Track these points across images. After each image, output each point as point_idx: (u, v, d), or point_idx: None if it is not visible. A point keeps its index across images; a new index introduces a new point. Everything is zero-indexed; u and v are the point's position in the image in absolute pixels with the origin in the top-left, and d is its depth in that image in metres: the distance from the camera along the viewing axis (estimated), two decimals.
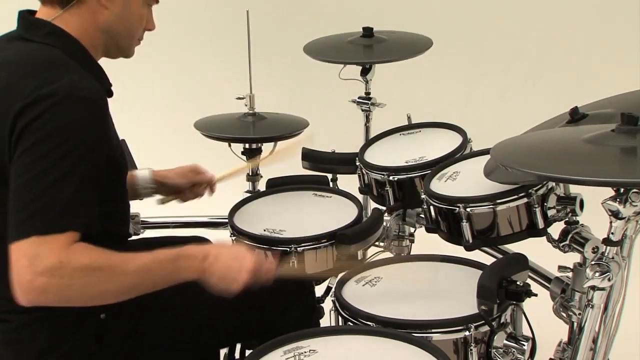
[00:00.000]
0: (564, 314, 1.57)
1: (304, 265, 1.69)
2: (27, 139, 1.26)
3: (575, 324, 1.53)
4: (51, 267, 1.21)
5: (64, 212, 1.25)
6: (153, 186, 1.87)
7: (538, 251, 1.67)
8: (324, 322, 1.72)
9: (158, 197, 1.93)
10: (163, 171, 1.91)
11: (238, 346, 1.83)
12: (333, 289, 1.62)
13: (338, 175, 2.28)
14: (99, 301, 1.32)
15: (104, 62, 1.52)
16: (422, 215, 1.86)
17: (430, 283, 1.64)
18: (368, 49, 2.41)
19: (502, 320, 1.46)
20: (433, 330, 1.41)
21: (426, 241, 1.96)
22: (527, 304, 1.47)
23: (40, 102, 1.26)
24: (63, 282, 1.23)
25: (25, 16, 1.45)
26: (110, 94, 1.49)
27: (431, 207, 1.67)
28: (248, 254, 1.43)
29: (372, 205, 2.07)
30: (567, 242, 1.54)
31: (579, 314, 1.50)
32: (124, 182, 1.54)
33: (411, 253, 2.18)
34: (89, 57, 1.45)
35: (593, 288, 1.41)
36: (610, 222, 1.36)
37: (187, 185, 1.92)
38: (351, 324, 1.48)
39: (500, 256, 1.94)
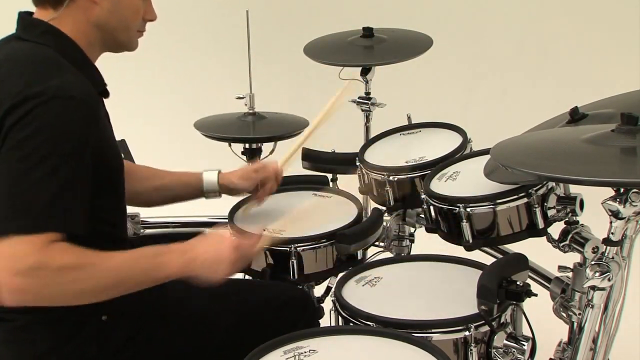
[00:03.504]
0: (564, 314, 1.57)
1: None
2: (12, 138, 1.25)
3: (575, 324, 1.53)
4: (29, 268, 1.21)
5: (44, 213, 1.24)
6: (218, 190, 1.87)
7: (538, 251, 1.67)
8: (324, 322, 1.71)
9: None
10: (228, 174, 1.88)
11: None
12: (333, 289, 1.62)
13: (338, 175, 2.28)
14: (80, 300, 1.31)
15: (104, 62, 1.52)
16: (422, 215, 1.86)
17: (430, 283, 1.64)
18: (368, 50, 2.41)
19: (502, 320, 1.46)
20: (433, 330, 1.41)
21: (426, 241, 1.96)
22: (527, 304, 1.47)
23: (28, 101, 1.26)
24: (41, 282, 1.23)
25: (24, 17, 1.45)
26: (106, 95, 1.48)
27: (431, 207, 1.67)
28: (226, 240, 1.43)
29: (372, 205, 2.07)
30: (567, 242, 1.54)
31: (579, 314, 1.50)
32: (118, 183, 1.51)
33: (411, 253, 2.18)
34: (84, 57, 1.44)
35: (593, 288, 1.41)
36: (610, 222, 1.36)
37: (254, 187, 1.89)
38: (351, 324, 1.48)
39: (500, 256, 1.94)
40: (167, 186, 1.83)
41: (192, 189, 1.85)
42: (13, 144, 1.25)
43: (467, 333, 1.41)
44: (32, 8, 1.46)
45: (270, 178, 1.91)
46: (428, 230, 1.72)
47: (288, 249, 1.71)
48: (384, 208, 1.98)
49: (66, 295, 1.28)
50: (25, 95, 1.26)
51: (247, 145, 2.46)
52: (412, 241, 2.19)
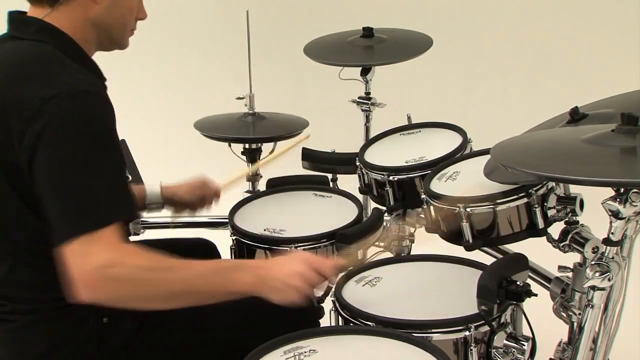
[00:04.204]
0: (564, 314, 1.57)
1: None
2: (46, 145, 1.25)
3: (575, 324, 1.53)
4: (105, 264, 1.22)
5: (105, 206, 1.26)
6: (161, 202, 1.89)
7: (538, 251, 1.67)
8: (324, 322, 1.71)
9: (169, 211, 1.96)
10: (172, 187, 1.91)
11: None
12: (333, 289, 1.62)
13: (338, 175, 2.28)
14: (150, 304, 1.32)
15: (104, 62, 1.52)
16: (422, 215, 1.86)
17: (430, 283, 1.64)
18: (368, 50, 2.41)
19: (502, 320, 1.46)
20: (433, 330, 1.41)
21: (426, 241, 1.96)
22: (527, 304, 1.47)
23: (46, 106, 1.26)
24: (118, 279, 1.24)
25: (15, 16, 1.44)
26: (105, 88, 1.49)
27: (431, 207, 1.67)
28: (299, 260, 1.42)
29: (372, 205, 2.07)
30: (567, 242, 1.54)
31: (579, 314, 1.50)
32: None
33: (411, 253, 2.18)
34: (82, 52, 1.44)
35: (593, 288, 1.41)
36: (610, 222, 1.36)
37: (196, 200, 1.94)
38: (351, 324, 1.48)
39: (500, 256, 1.94)
40: None
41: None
42: (49, 152, 1.25)
43: (467, 333, 1.41)
44: (19, 7, 1.46)
45: (211, 195, 1.97)
46: (428, 230, 1.72)
47: (288, 248, 1.71)
48: (384, 208, 1.98)
49: (138, 297, 1.29)
50: (42, 99, 1.26)
51: (247, 146, 2.46)
52: (412, 241, 2.19)
